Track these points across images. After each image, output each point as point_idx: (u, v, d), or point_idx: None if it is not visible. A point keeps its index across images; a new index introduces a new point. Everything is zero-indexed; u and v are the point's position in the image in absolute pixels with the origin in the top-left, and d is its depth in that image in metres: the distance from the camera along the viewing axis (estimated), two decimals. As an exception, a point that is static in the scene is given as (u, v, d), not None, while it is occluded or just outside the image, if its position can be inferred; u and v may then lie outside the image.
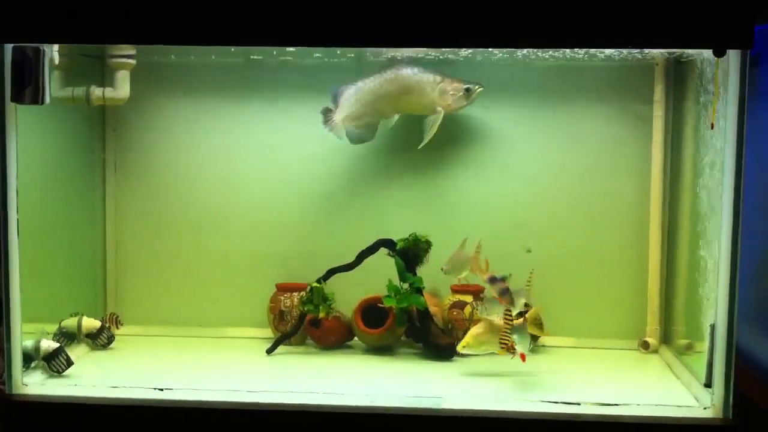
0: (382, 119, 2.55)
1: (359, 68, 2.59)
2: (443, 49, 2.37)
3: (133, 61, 2.43)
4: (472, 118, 2.63)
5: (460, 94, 2.49)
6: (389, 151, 2.65)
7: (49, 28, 2.03)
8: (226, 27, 2.01)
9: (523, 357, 2.16)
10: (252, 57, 2.58)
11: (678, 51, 2.34)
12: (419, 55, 2.48)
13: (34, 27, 2.03)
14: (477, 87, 2.49)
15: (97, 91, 2.43)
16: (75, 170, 2.61)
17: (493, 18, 1.96)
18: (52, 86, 2.17)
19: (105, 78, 2.51)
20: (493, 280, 2.26)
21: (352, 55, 2.54)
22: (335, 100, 2.56)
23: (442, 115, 2.50)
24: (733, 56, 1.97)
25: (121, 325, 2.60)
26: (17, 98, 2.06)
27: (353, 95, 2.55)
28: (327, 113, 2.57)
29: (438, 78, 2.50)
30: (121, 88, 2.44)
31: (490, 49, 2.34)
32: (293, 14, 1.99)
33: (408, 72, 2.51)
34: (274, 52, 2.50)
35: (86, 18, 2.01)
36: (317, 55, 2.56)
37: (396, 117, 2.55)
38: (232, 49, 2.47)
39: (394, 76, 2.52)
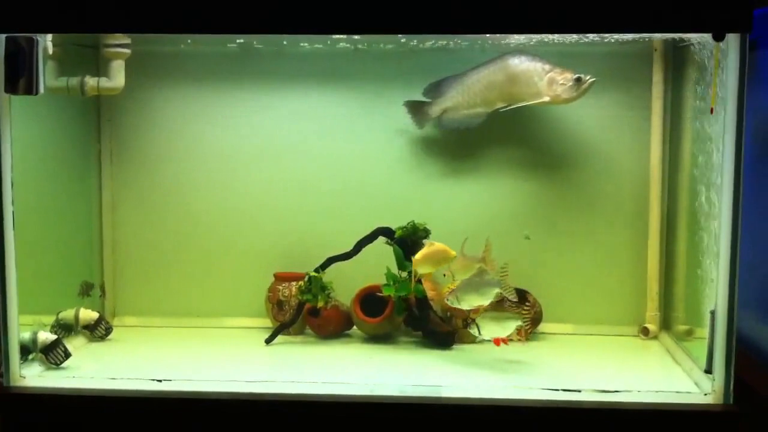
0: (487, 109, 2.51)
1: (356, 56, 2.58)
2: (439, 36, 2.37)
3: (128, 51, 2.41)
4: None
5: (570, 84, 2.39)
6: (387, 140, 2.64)
7: (43, 17, 2.01)
8: (222, 15, 1.99)
9: (496, 342, 2.22)
10: (249, 45, 2.57)
11: (677, 35, 2.32)
12: (530, 43, 2.43)
13: (28, 17, 2.01)
14: (588, 78, 2.39)
15: (91, 81, 2.41)
16: (70, 161, 2.59)
17: (491, 3, 1.95)
18: (46, 76, 2.16)
19: (99, 68, 2.49)
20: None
21: (350, 45, 2.53)
22: (433, 92, 2.56)
23: (543, 102, 2.43)
24: (732, 40, 1.95)
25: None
26: (11, 89, 2.05)
27: (459, 86, 2.53)
28: (415, 106, 2.57)
29: (547, 67, 2.43)
30: (116, 77, 2.42)
31: (487, 36, 2.33)
32: (290, 1, 1.97)
33: (515, 61, 2.46)
34: (283, 42, 2.49)
35: (80, 7, 2.00)
36: (319, 45, 2.55)
37: (502, 107, 2.50)
38: (229, 39, 2.46)
39: (501, 65, 2.48)
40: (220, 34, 2.33)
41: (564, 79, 2.40)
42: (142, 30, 2.10)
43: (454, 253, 2.30)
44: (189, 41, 2.52)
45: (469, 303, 2.27)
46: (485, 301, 2.26)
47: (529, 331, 2.55)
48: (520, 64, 2.46)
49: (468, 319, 2.43)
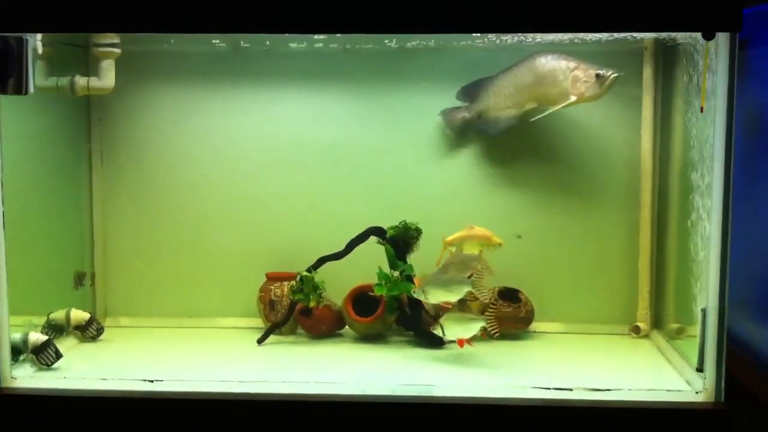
0: (519, 111, 2.48)
1: (346, 55, 2.58)
2: (432, 35, 2.36)
3: (118, 50, 2.40)
4: (454, 103, 2.61)
5: (592, 81, 2.33)
6: (380, 141, 2.64)
7: (32, 17, 2.00)
8: (213, 14, 1.98)
9: (460, 343, 2.24)
10: (239, 44, 2.56)
11: (667, 34, 2.33)
12: (562, 41, 2.39)
13: (17, 16, 2.00)
14: (610, 73, 2.33)
15: (81, 81, 2.41)
16: (60, 161, 2.58)
17: (482, 2, 1.95)
18: (36, 76, 2.16)
19: (89, 67, 2.48)
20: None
21: (336, 45, 2.53)
22: (466, 95, 2.54)
23: (570, 102, 2.38)
24: (722, 39, 1.96)
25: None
26: (0, 89, 2.04)
27: (491, 88, 2.50)
28: (450, 113, 2.55)
29: (572, 65, 2.37)
30: (106, 77, 2.41)
31: (475, 34, 2.33)
32: (281, 1, 1.97)
33: (541, 60, 2.42)
34: (267, 42, 2.49)
35: (70, 6, 1.99)
36: (318, 44, 2.54)
37: (534, 107, 2.47)
38: (219, 38, 2.45)
39: (529, 65, 2.44)
40: (211, 33, 2.32)
41: (587, 76, 2.35)
42: (132, 29, 2.09)
43: (498, 239, 2.37)
44: (172, 41, 2.50)
45: (435, 297, 2.28)
46: (452, 298, 2.27)
47: (519, 329, 2.56)
48: (546, 63, 2.42)
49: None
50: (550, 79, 2.41)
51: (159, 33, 2.27)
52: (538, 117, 2.46)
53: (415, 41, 2.47)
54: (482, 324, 2.26)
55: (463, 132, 2.58)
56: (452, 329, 2.26)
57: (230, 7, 1.98)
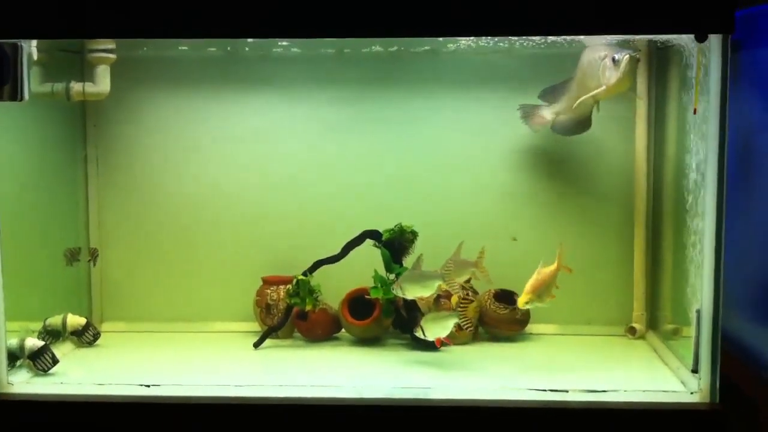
0: (586, 112, 2.39)
1: (340, 60, 2.58)
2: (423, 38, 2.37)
3: (113, 56, 2.40)
4: (451, 107, 2.62)
5: (610, 67, 2.15)
6: (375, 142, 2.64)
7: (27, 23, 2.01)
8: (209, 19, 1.99)
9: (437, 342, 2.27)
10: (235, 49, 2.57)
11: (659, 36, 2.33)
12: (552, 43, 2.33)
13: (12, 23, 2.00)
14: (625, 55, 2.13)
15: (76, 87, 2.40)
16: (56, 167, 2.58)
17: (473, 5, 1.95)
18: (31, 82, 2.15)
19: (84, 73, 2.48)
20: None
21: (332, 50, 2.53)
22: (547, 96, 2.48)
23: (600, 92, 2.22)
24: (714, 41, 1.97)
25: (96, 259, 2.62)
26: (-5, 95, 2.04)
27: (565, 89, 2.43)
28: (529, 110, 2.50)
29: (603, 53, 2.20)
30: (101, 82, 2.41)
31: (468, 38, 2.33)
32: (275, 5, 1.97)
33: (583, 55, 2.30)
34: (250, 45, 2.49)
35: (65, 13, 1.99)
36: (316, 49, 2.55)
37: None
38: (215, 44, 2.46)
39: (579, 62, 2.32)
40: (206, 39, 2.32)
41: (609, 62, 2.19)
42: (128, 35, 2.09)
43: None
44: (147, 45, 2.50)
45: (412, 293, 2.29)
46: (426, 293, 2.29)
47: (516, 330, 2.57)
48: (585, 56, 2.31)
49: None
50: (591, 72, 2.27)
51: (154, 39, 2.28)
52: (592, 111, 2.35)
53: (416, 46, 2.47)
54: (455, 320, 2.28)
55: (536, 128, 2.51)
56: (431, 329, 2.27)
57: (232, 13, 1.98)
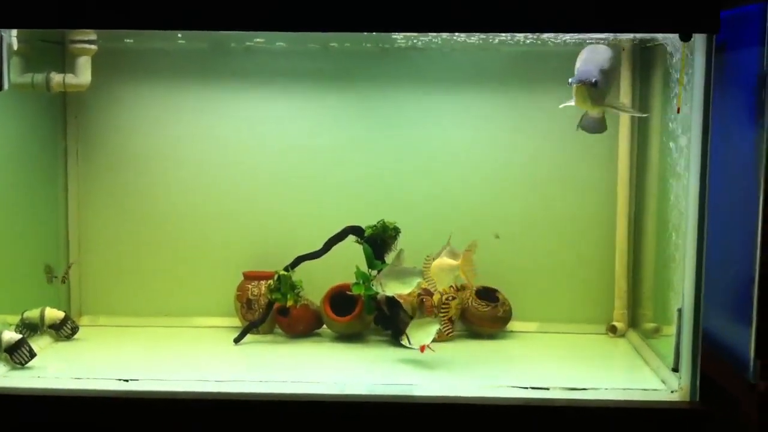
0: (600, 111, 2.23)
1: (327, 55, 2.57)
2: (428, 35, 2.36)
3: (94, 47, 2.39)
4: (436, 104, 2.61)
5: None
6: (361, 139, 2.63)
7: (7, 12, 1.98)
8: (193, 11, 1.98)
9: (421, 349, 2.24)
10: (218, 42, 2.55)
11: (644, 35, 2.34)
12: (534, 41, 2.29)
13: (-9, 11, 1.98)
14: (574, 83, 2.03)
15: (57, 78, 2.38)
16: (35, 159, 2.56)
17: (459, 2, 1.95)
18: (11, 73, 2.13)
19: (65, 64, 2.46)
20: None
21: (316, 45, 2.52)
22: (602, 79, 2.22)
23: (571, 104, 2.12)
24: (699, 41, 1.97)
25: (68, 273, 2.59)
26: (-26, 85, 2.02)
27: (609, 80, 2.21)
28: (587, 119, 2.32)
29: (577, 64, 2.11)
30: (83, 74, 2.40)
31: (454, 35, 2.33)
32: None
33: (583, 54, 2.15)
34: (248, 41, 2.48)
35: (45, 2, 1.97)
36: (303, 44, 2.53)
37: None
38: (199, 36, 2.44)
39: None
40: (189, 30, 2.30)
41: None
42: (110, 26, 2.07)
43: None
44: (129, 36, 2.48)
45: (391, 289, 2.30)
46: (406, 289, 2.29)
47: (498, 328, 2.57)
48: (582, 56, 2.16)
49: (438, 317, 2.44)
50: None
51: (137, 30, 2.26)
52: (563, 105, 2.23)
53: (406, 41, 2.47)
54: (437, 326, 2.27)
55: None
56: (416, 336, 2.26)
57: (217, 4, 1.96)
